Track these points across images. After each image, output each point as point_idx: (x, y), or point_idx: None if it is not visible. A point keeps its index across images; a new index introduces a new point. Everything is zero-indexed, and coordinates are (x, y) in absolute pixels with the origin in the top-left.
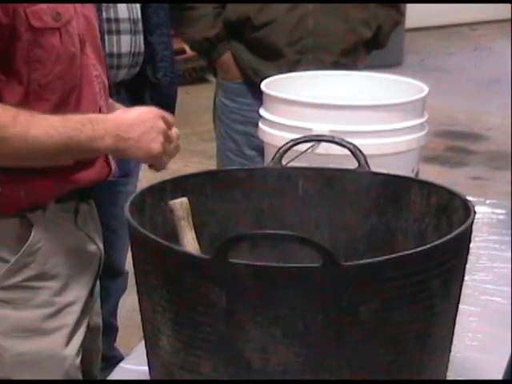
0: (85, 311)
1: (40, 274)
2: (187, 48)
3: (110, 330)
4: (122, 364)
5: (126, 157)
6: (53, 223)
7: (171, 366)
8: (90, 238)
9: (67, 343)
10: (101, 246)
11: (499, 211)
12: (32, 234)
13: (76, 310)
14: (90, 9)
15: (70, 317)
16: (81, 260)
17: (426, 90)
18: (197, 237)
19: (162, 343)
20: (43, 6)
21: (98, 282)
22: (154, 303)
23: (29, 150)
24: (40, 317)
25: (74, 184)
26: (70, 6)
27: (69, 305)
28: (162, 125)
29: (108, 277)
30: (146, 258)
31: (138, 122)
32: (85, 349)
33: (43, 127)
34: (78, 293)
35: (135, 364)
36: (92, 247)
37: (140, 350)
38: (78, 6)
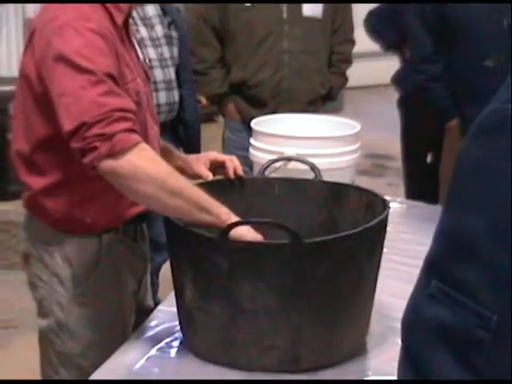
0: (135, 297)
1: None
2: (203, 99)
3: (153, 285)
4: (159, 306)
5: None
6: (122, 242)
7: (191, 308)
8: (142, 252)
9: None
10: (147, 251)
11: None
12: (105, 253)
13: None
14: (147, 86)
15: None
16: (131, 266)
17: (359, 126)
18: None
19: (186, 293)
20: (131, 85)
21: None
22: (180, 267)
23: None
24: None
25: (139, 211)
26: (141, 84)
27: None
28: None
29: (152, 249)
30: (175, 238)
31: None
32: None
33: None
34: (130, 286)
35: (168, 306)
36: (142, 258)
37: (171, 297)
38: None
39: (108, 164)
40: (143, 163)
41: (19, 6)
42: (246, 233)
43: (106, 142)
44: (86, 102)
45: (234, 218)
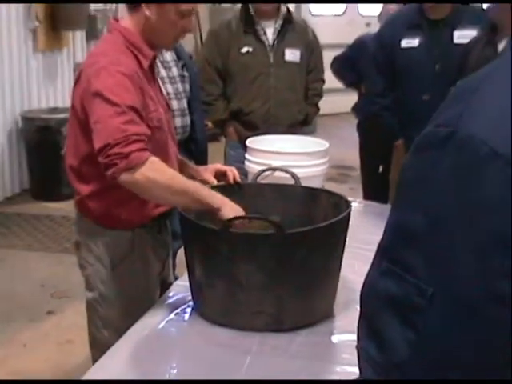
0: (160, 276)
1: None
2: (209, 123)
3: (172, 265)
4: (176, 282)
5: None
6: (149, 235)
7: (200, 283)
8: (165, 242)
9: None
10: (169, 241)
11: None
12: (136, 243)
13: (156, 277)
14: (168, 113)
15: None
16: (156, 252)
17: (327, 144)
18: (215, 219)
19: (196, 272)
20: (154, 114)
21: (169, 257)
22: (192, 252)
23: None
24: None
25: (161, 211)
26: (163, 113)
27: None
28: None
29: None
30: (187, 230)
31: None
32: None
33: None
34: (155, 268)
35: (183, 281)
36: (165, 246)
37: (185, 275)
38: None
39: (126, 176)
40: (153, 174)
41: (71, 52)
42: (231, 214)
43: (123, 159)
44: (111, 128)
45: (227, 203)
